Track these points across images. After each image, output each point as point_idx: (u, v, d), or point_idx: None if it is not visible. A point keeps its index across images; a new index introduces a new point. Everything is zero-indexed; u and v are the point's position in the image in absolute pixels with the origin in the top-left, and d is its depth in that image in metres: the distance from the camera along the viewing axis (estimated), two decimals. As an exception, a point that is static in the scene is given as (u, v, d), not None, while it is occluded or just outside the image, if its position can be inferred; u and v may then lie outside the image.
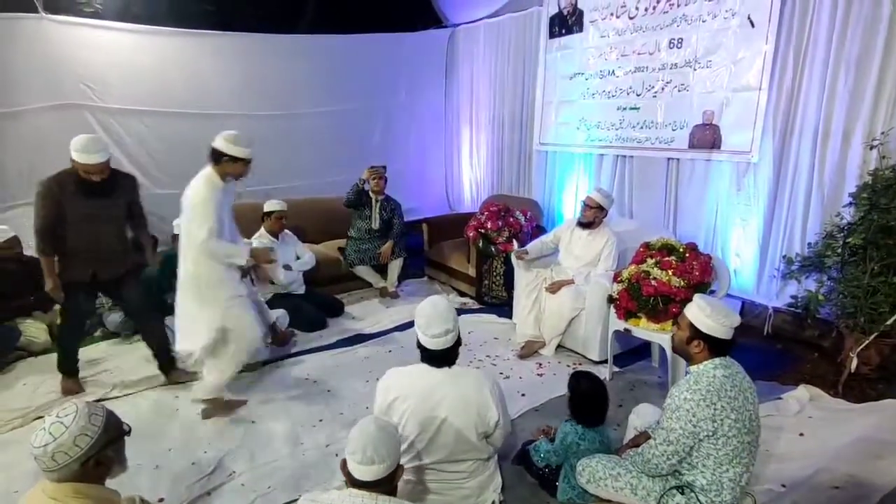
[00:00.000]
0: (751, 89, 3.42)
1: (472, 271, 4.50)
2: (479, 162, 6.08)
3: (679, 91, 3.83)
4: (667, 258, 2.89)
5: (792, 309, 3.23)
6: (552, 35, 4.77)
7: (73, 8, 4.38)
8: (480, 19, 5.67)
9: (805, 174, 3.27)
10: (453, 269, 4.75)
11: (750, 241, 3.59)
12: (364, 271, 4.56)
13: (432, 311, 1.92)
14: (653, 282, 2.77)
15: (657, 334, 2.82)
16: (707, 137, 3.71)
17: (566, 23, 4.63)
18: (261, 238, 3.87)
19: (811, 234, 3.24)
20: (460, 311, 4.24)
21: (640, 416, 2.24)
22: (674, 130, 3.90)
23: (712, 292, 3.00)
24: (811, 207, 3.26)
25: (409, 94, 6.08)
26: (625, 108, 4.22)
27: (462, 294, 4.66)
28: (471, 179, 6.29)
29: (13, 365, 3.27)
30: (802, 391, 2.78)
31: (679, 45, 3.80)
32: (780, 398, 2.76)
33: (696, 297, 1.86)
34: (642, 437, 2.12)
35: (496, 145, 5.72)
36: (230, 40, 4.99)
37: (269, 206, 3.91)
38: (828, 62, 3.09)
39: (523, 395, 2.98)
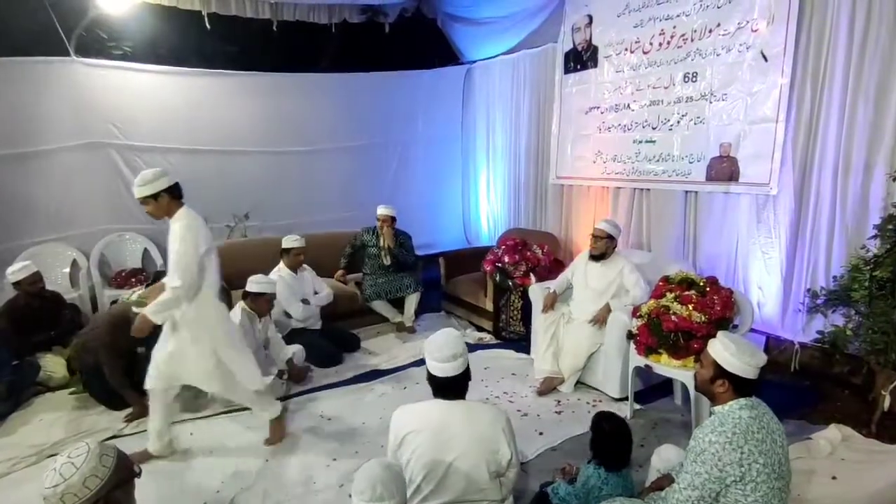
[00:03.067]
0: (768, 121, 3.41)
1: (489, 306, 4.46)
2: (495, 196, 6.12)
3: (695, 124, 3.83)
4: (687, 292, 2.84)
5: (819, 344, 3.11)
6: (567, 70, 4.85)
7: (104, 51, 4.64)
8: (496, 56, 5.80)
9: (827, 206, 3.21)
10: (471, 303, 4.72)
11: (772, 274, 3.50)
12: (381, 306, 4.56)
13: (441, 338, 1.94)
14: (673, 317, 2.71)
15: (679, 371, 2.74)
16: (725, 170, 3.68)
17: (581, 58, 4.70)
18: (280, 273, 3.90)
19: (836, 266, 3.16)
20: (478, 347, 4.23)
21: (663, 458, 2.15)
22: (691, 163, 3.89)
23: (735, 327, 2.93)
24: (834, 240, 3.18)
25: (426, 129, 6.21)
26: (641, 142, 4.23)
27: (480, 329, 4.62)
28: (488, 214, 6.32)
29: (31, 400, 3.31)
30: (834, 431, 2.65)
31: (694, 79, 3.81)
32: (809, 438, 2.64)
33: (720, 335, 1.81)
34: (665, 480, 2.04)
35: (513, 179, 5.76)
36: (252, 80, 5.20)
37: (287, 243, 3.96)
38: (846, 93, 3.07)
39: (541, 433, 2.90)
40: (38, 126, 4.27)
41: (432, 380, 1.92)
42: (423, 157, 6.24)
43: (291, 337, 3.86)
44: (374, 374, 3.74)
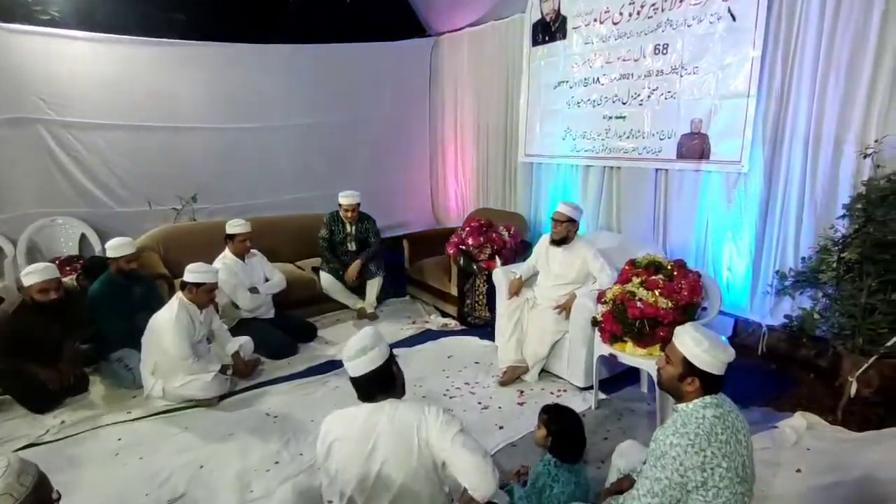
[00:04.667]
0: (739, 96, 3.25)
1: (454, 290, 4.28)
2: (464, 175, 5.89)
3: (666, 99, 3.66)
4: (653, 277, 2.69)
5: (786, 329, 3.02)
6: (535, 42, 4.61)
7: (30, 16, 4.18)
8: (463, 28, 5.52)
9: (797, 184, 3.09)
10: (436, 288, 4.53)
11: (742, 256, 3.40)
12: (339, 293, 4.33)
13: (354, 337, 1.74)
14: (638, 303, 2.56)
15: (644, 360, 2.61)
16: (695, 147, 3.53)
17: (549, 29, 4.46)
18: (225, 260, 3.64)
19: (805, 247, 3.05)
20: (442, 334, 4.05)
21: (625, 457, 2.01)
22: (661, 140, 3.72)
23: (703, 310, 2.80)
24: (804, 220, 3.08)
25: (392, 106, 5.89)
26: (611, 117, 4.04)
27: (445, 315, 4.44)
28: (456, 193, 6.10)
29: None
30: (799, 419, 2.57)
31: (665, 52, 3.63)
32: (775, 427, 2.55)
33: (689, 328, 1.66)
34: (626, 482, 1.91)
35: (482, 157, 5.54)
36: (200, 50, 4.81)
37: (231, 228, 3.68)
38: (817, 66, 2.92)
39: (501, 427, 2.75)
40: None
41: (352, 382, 1.73)
42: (388, 134, 5.93)
43: (240, 327, 3.64)
44: (330, 366, 3.52)
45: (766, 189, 3.23)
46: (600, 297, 2.79)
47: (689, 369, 1.59)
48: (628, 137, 3.93)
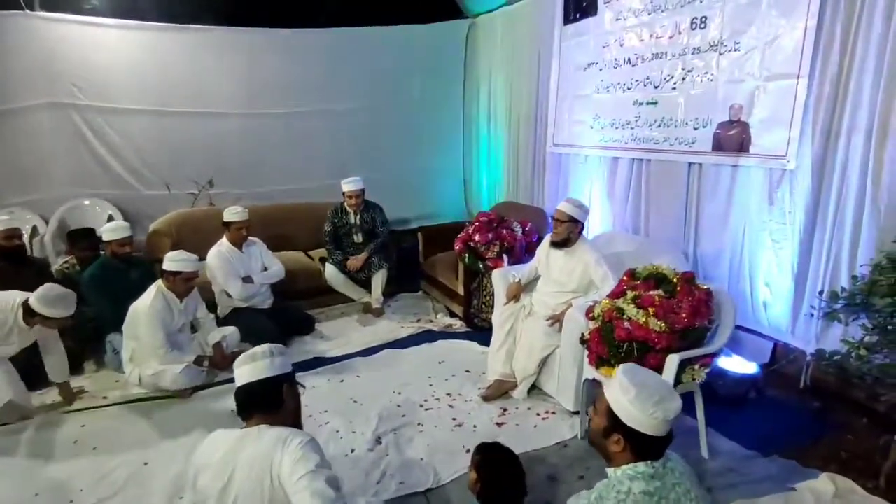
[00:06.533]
0: (787, 77, 2.69)
1: (460, 289, 4.00)
2: (496, 165, 5.55)
3: (702, 81, 3.14)
4: (651, 292, 2.27)
5: (827, 361, 2.47)
6: (567, 20, 4.17)
7: (74, 5, 4.34)
8: (498, 7, 5.14)
9: (855, 186, 2.50)
10: (445, 285, 4.27)
11: (783, 269, 2.84)
12: (343, 285, 4.18)
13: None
14: (626, 323, 2.17)
15: (631, 390, 2.21)
16: (734, 137, 3.00)
17: (581, 5, 4.01)
18: (220, 248, 3.59)
19: (862, 262, 2.48)
20: (443, 335, 3.80)
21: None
22: (695, 129, 3.21)
23: (710, 335, 2.35)
24: (863, 229, 2.49)
25: (424, 91, 5.63)
26: (641, 103, 3.55)
27: (452, 315, 4.17)
28: (488, 184, 5.76)
29: None
30: (826, 482, 2.06)
31: (703, 25, 3.10)
32: (792, 489, 2.07)
33: (621, 371, 1.31)
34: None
35: (512, 146, 5.16)
36: (228, 36, 4.80)
37: (228, 216, 3.61)
38: (886, 41, 2.32)
39: (469, 451, 2.43)
40: (-6, 84, 4.08)
41: (234, 394, 1.54)
42: (419, 121, 5.66)
43: (233, 317, 3.59)
44: (316, 363, 3.39)
45: (815, 190, 2.66)
46: (589, 312, 2.41)
47: (614, 424, 1.24)
48: (659, 126, 3.43)
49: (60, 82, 4.30)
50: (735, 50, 2.94)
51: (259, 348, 1.58)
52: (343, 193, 4.13)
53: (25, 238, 4.19)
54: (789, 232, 2.80)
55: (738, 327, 3.04)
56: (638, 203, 3.67)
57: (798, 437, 2.47)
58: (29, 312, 2.53)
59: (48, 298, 2.51)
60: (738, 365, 2.88)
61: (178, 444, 2.52)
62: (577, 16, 4.04)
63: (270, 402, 1.52)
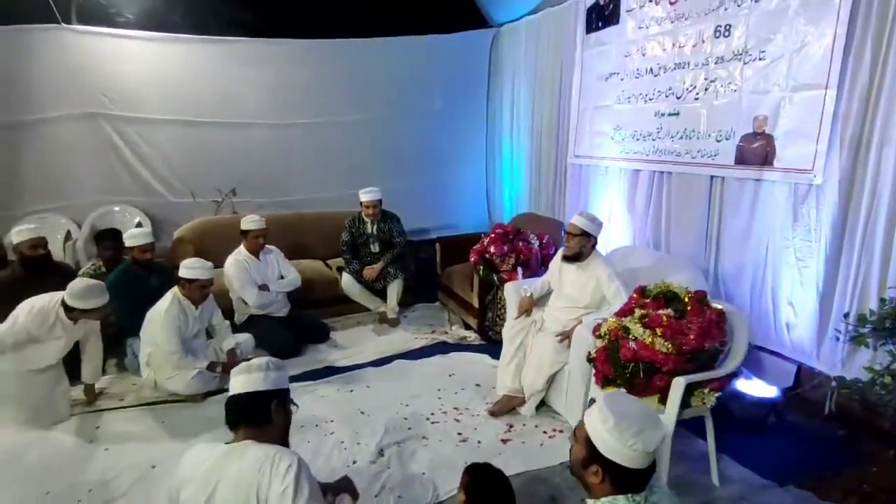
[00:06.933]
0: (814, 87, 2.57)
1: (475, 301, 3.96)
2: (518, 177, 5.50)
3: (725, 91, 3.03)
4: (660, 311, 2.19)
5: (849, 388, 2.33)
6: (589, 29, 4.11)
7: (107, 18, 4.52)
8: (522, 17, 5.12)
9: (886, 203, 2.36)
10: (461, 297, 4.25)
11: (808, 288, 2.70)
12: (359, 295, 4.20)
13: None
14: (632, 343, 2.10)
15: (636, 413, 2.13)
16: (757, 151, 2.88)
17: (603, 14, 3.95)
18: (237, 256, 3.66)
19: (893, 283, 2.34)
20: (456, 347, 3.77)
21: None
22: (718, 141, 3.10)
23: (722, 358, 2.24)
24: (893, 248, 2.35)
25: (448, 101, 5.63)
26: (663, 114, 3.46)
27: (467, 327, 4.14)
28: (510, 195, 5.72)
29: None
30: (844, 520, 1.94)
31: (727, 34, 3.00)
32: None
33: (602, 398, 1.25)
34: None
35: (534, 157, 5.11)
36: (256, 47, 4.90)
37: (245, 224, 3.69)
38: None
39: (470, 467, 2.42)
40: (31, 95, 4.26)
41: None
42: (442, 131, 5.68)
43: (249, 324, 3.65)
44: (327, 372, 3.41)
45: (843, 206, 2.53)
46: (596, 330, 2.34)
47: (592, 454, 1.19)
48: (681, 138, 3.33)
49: (92, 93, 4.47)
50: (760, 59, 2.83)
51: (256, 360, 1.60)
52: (360, 203, 4.16)
53: (59, 242, 4.41)
54: (814, 250, 2.66)
55: (759, 348, 2.95)
56: (658, 217, 3.57)
57: (818, 467, 2.32)
58: (67, 309, 2.65)
59: (77, 291, 2.62)
60: (757, 388, 2.75)
61: (186, 448, 2.55)
62: (600, 24, 3.98)
63: (258, 417, 1.51)
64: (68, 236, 4.48)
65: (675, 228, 3.46)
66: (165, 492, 2.13)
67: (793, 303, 2.79)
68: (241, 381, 1.53)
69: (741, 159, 2.97)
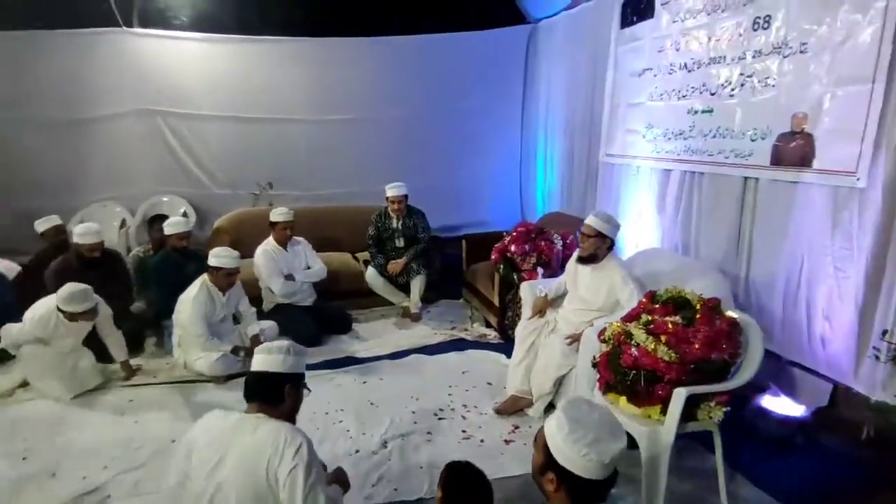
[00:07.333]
0: (860, 82, 2.35)
1: (496, 300, 3.93)
2: (551, 175, 5.39)
3: (763, 87, 2.84)
4: (668, 318, 2.09)
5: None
6: (624, 24, 3.97)
7: (166, 21, 4.82)
8: (559, 12, 5.01)
9: (933, 210, 2.14)
10: (483, 294, 4.22)
11: (846, 301, 2.49)
12: (383, 288, 4.26)
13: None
14: (634, 349, 2.02)
15: (636, 423, 2.04)
16: (795, 151, 2.68)
17: (638, 7, 3.80)
18: (266, 246, 3.80)
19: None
20: (474, 345, 3.75)
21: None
22: (753, 140, 2.91)
23: (732, 369, 2.11)
24: (941, 261, 2.13)
25: (483, 97, 5.62)
26: (696, 112, 3.29)
27: (488, 325, 4.11)
28: (543, 193, 5.62)
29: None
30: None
31: (766, 25, 2.81)
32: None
33: (561, 406, 1.22)
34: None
35: (566, 155, 5.00)
36: (296, 45, 5.09)
37: (274, 216, 3.82)
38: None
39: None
40: (94, 94, 4.64)
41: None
42: (476, 127, 5.67)
43: (275, 312, 3.78)
44: (346, 362, 3.49)
45: (888, 212, 2.31)
46: (601, 334, 2.27)
47: (548, 461, 1.16)
48: (714, 136, 3.16)
49: (148, 91, 4.79)
50: (801, 52, 2.63)
51: (278, 343, 1.71)
52: (386, 198, 4.21)
53: (115, 228, 4.75)
54: (855, 259, 2.45)
55: (792, 364, 2.76)
56: (688, 219, 3.40)
57: (840, 495, 2.16)
58: (61, 311, 2.84)
59: (64, 297, 2.79)
60: (784, 405, 2.57)
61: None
62: (634, 19, 3.83)
63: (271, 396, 1.62)
64: (123, 223, 4.81)
65: (704, 232, 3.28)
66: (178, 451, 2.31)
67: (829, 316, 2.58)
68: (261, 360, 1.65)
69: (777, 160, 2.78)
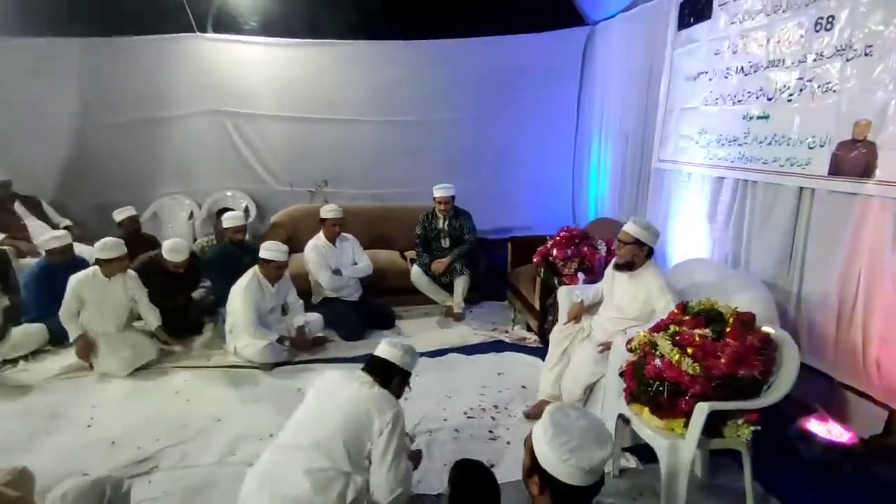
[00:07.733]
0: (928, 88, 2.20)
1: (536, 303, 3.92)
2: (603, 179, 5.29)
3: (824, 92, 2.69)
4: (696, 330, 2.04)
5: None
6: (681, 26, 3.85)
7: (235, 26, 5.14)
8: (616, 14, 4.91)
9: None
10: (526, 297, 4.22)
11: (905, 324, 2.32)
12: (427, 287, 4.35)
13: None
14: (657, 361, 1.98)
15: (657, 435, 2.01)
16: (856, 160, 2.52)
17: (696, 8, 3.67)
18: (316, 242, 3.99)
19: None
20: (511, 347, 3.78)
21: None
22: (811, 149, 2.76)
23: (766, 387, 2.02)
24: None
25: (537, 101, 5.59)
26: (752, 118, 3.15)
27: (529, 328, 4.11)
28: (595, 198, 5.52)
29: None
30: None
31: (829, 27, 2.65)
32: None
33: (549, 410, 1.25)
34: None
35: (618, 160, 4.90)
36: (357, 48, 5.26)
37: (324, 213, 4.01)
38: None
39: (492, 465, 2.43)
40: (167, 94, 5.03)
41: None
42: (532, 131, 5.66)
43: (322, 305, 3.97)
44: (385, 357, 3.61)
45: (955, 230, 2.14)
46: (629, 343, 2.24)
47: (534, 464, 1.19)
48: (770, 144, 3.01)
49: (216, 92, 5.13)
50: (866, 54, 2.47)
51: (406, 344, 2.12)
52: (434, 199, 4.30)
53: (183, 219, 5.15)
54: (917, 279, 2.28)
55: (844, 387, 2.59)
56: (739, 230, 3.26)
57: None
58: (98, 264, 3.25)
59: (98, 247, 3.24)
60: (833, 430, 2.42)
61: (247, 410, 2.91)
62: (691, 20, 3.71)
63: (383, 378, 2.00)
64: (191, 215, 5.20)
65: (756, 243, 3.14)
66: (222, 444, 2.53)
67: (887, 338, 2.41)
68: (386, 350, 2.06)
69: (836, 169, 2.61)
